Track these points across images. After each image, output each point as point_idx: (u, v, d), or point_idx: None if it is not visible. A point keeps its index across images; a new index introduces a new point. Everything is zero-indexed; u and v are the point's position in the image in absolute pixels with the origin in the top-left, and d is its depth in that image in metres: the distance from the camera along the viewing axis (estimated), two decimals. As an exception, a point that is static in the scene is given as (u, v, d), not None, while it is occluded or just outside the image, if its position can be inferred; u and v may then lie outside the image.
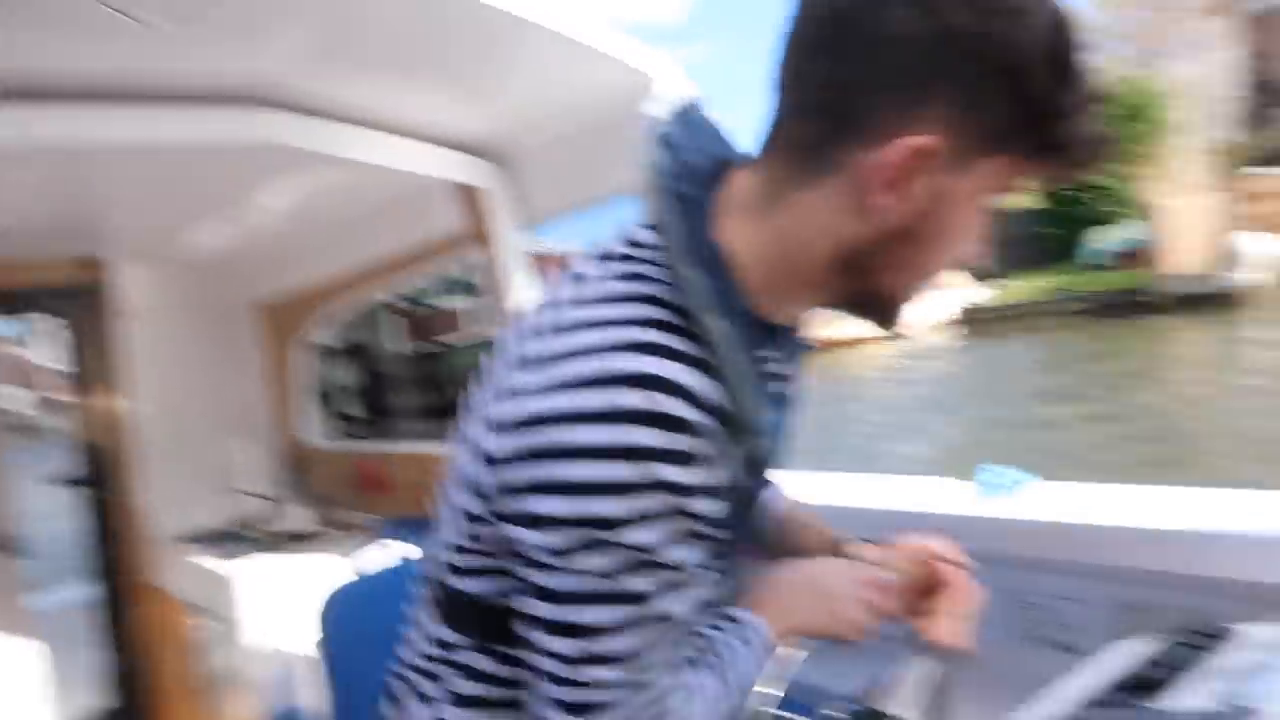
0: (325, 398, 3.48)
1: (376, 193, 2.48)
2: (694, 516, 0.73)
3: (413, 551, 2.23)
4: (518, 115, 2.09)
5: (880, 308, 0.82)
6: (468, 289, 3.11)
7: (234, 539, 3.05)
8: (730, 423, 0.75)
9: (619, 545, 0.70)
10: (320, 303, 3.20)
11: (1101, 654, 1.01)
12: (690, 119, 0.84)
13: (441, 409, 3.31)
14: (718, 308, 0.75)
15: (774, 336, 0.84)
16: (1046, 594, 1.49)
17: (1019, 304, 20.17)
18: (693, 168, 0.81)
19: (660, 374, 0.70)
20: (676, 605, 0.76)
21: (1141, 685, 0.87)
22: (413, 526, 2.57)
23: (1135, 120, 22.73)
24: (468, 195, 2.31)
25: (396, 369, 3.52)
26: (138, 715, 3.40)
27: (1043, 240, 24.48)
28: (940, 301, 20.06)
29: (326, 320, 3.30)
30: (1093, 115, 0.72)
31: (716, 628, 0.90)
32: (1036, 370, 14.46)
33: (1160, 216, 16.65)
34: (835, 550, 1.11)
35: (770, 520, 1.15)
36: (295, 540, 2.95)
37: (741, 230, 0.79)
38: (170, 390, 3.46)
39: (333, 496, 3.03)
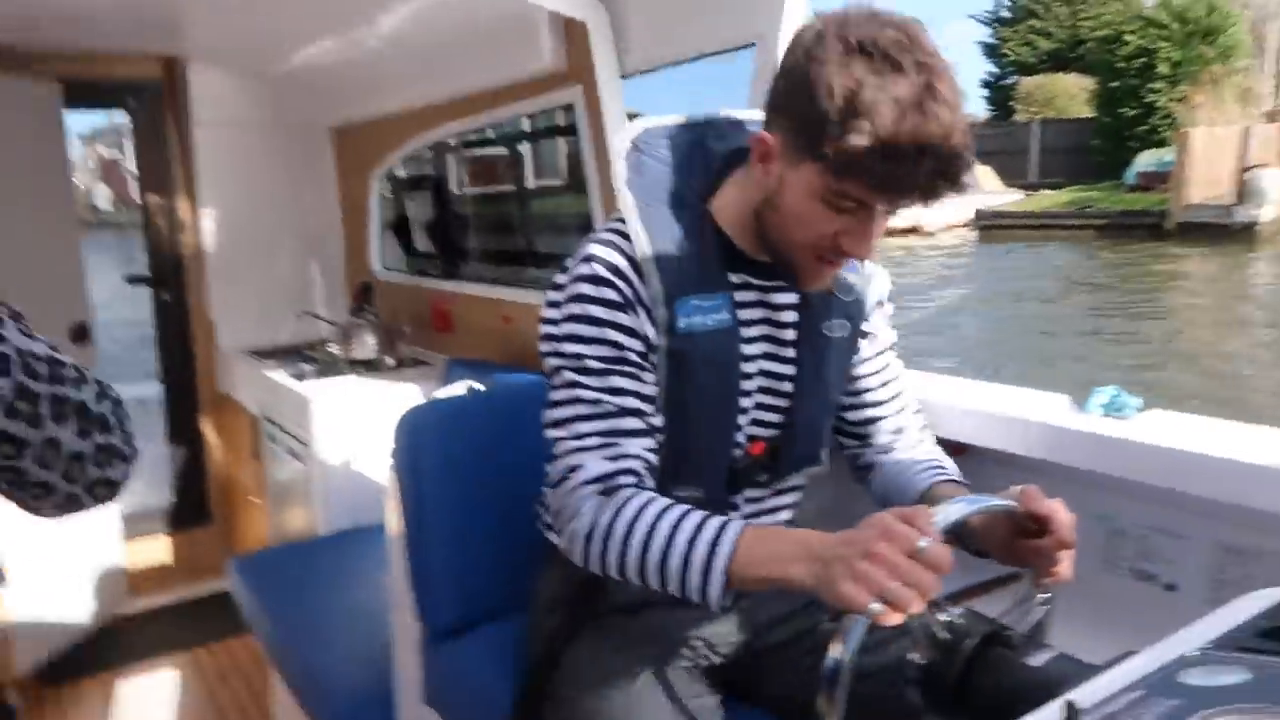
0: (398, 231, 3.42)
1: (470, 19, 2.34)
2: (617, 345, 1.12)
3: (478, 388, 2.23)
4: None
5: (783, 263, 1.13)
6: (534, 135, 2.98)
7: (302, 359, 3.06)
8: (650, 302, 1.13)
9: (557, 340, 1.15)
10: (401, 133, 3.12)
11: (1234, 601, 0.94)
12: (740, 122, 1.25)
13: (508, 255, 3.26)
14: (672, 240, 1.14)
15: (756, 266, 1.18)
16: (1139, 523, 1.47)
17: (1036, 213, 19.81)
18: (710, 153, 1.21)
19: (597, 254, 1.14)
20: (597, 389, 1.12)
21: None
22: (477, 368, 2.57)
23: (1205, 40, 21.80)
24: (566, 29, 2.18)
25: (466, 209, 3.44)
26: (201, 514, 3.52)
27: (1098, 154, 23.72)
28: (967, 204, 19.61)
29: (405, 152, 3.21)
30: (904, 156, 0.94)
31: (693, 511, 1.04)
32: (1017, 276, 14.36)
33: (1188, 142, 16.05)
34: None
35: (916, 496, 1.24)
36: (363, 367, 2.95)
37: (729, 189, 1.18)
38: (243, 205, 3.43)
39: (400, 330, 3.02)
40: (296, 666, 1.93)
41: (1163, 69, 21.72)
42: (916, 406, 1.41)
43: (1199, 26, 22.17)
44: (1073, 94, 28.14)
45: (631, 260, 1.13)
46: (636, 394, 1.13)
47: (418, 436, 1.50)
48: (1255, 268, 13.37)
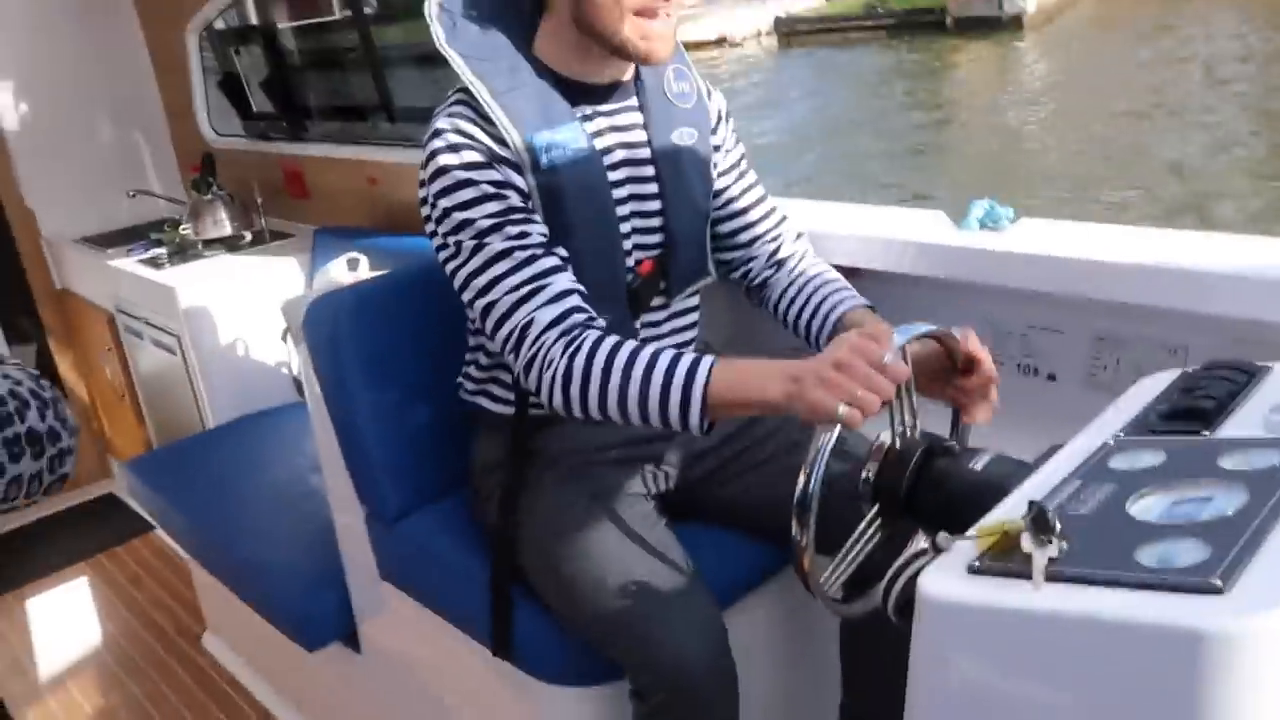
0: (230, 91, 3.13)
1: None
2: (499, 197, 1.17)
3: (361, 260, 2.16)
4: None
5: (618, 48, 1.18)
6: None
7: (149, 243, 2.84)
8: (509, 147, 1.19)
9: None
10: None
11: (1131, 389, 1.04)
12: None
13: (360, 110, 3.05)
14: (513, 90, 1.20)
15: (594, 93, 1.26)
16: (1020, 323, 1.60)
17: (831, 18, 20.37)
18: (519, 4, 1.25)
19: (445, 126, 1.20)
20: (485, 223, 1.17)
21: (1192, 415, 0.88)
22: (347, 235, 2.46)
23: None
24: None
25: (301, 60, 3.17)
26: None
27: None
28: (769, 12, 19.88)
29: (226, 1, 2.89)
30: None
31: (666, 349, 1.11)
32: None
33: None
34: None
35: (833, 323, 1.33)
36: (221, 246, 2.77)
37: (544, 27, 1.24)
38: (38, 75, 3.05)
39: (253, 201, 2.82)
40: (228, 558, 1.91)
41: None
42: (799, 231, 1.50)
43: None
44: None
45: (480, 117, 1.19)
46: (541, 233, 1.19)
47: (334, 325, 1.46)
48: (1023, 55, 14.48)
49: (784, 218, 1.48)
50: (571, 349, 1.13)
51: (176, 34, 3.07)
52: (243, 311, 2.50)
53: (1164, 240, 1.48)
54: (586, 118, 1.25)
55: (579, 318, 1.16)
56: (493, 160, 1.18)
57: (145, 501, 2.22)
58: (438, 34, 1.21)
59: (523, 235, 1.17)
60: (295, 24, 3.10)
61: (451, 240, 1.19)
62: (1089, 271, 1.43)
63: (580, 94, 1.25)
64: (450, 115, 1.21)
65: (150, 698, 2.30)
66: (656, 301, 1.36)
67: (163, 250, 2.77)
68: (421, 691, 1.64)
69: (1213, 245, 1.43)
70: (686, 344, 1.43)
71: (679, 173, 1.32)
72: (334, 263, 2.11)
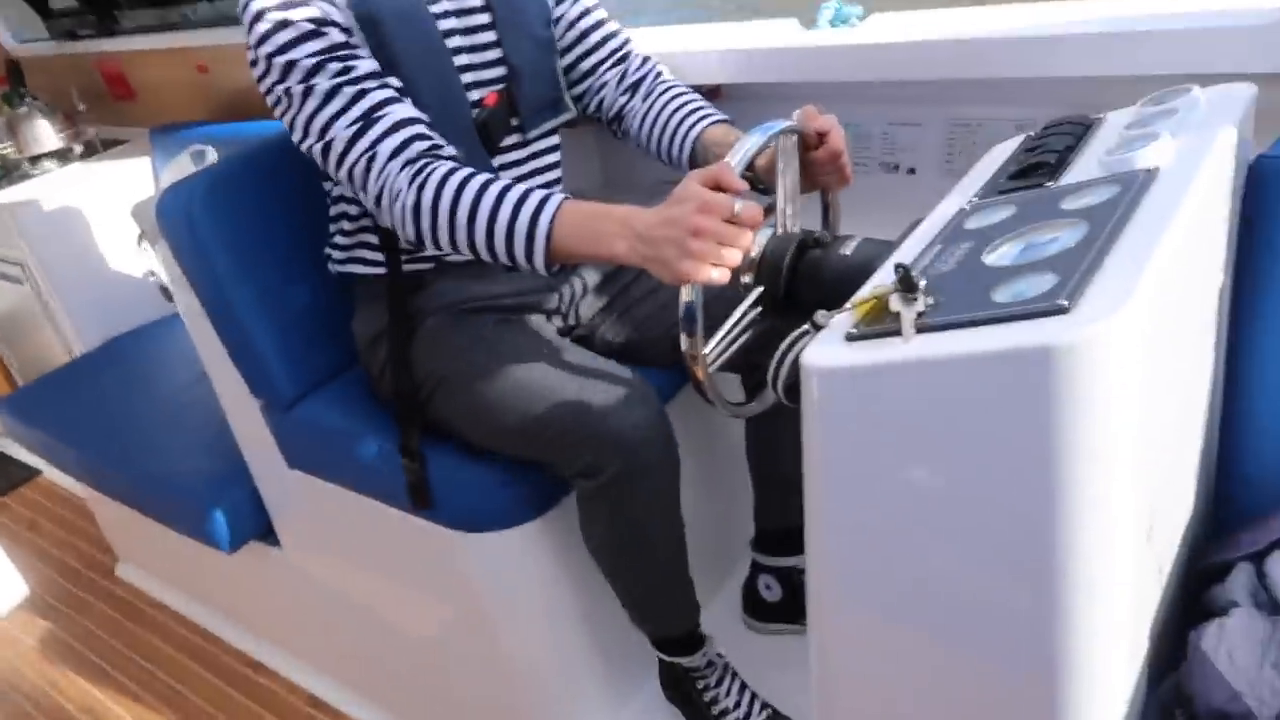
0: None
1: None
2: (320, 35, 1.14)
3: (207, 151, 2.05)
4: None
5: None
6: None
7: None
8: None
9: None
10: None
11: (982, 159, 1.09)
12: None
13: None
14: None
15: None
16: (880, 122, 1.64)
17: None
18: None
19: None
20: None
21: (1035, 170, 0.92)
22: (186, 131, 2.32)
23: None
24: None
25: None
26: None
27: None
28: None
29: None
30: None
31: (515, 186, 1.10)
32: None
33: None
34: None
35: (691, 143, 1.32)
36: (51, 161, 2.58)
37: None
38: None
39: (75, 110, 2.61)
40: (128, 480, 1.86)
41: None
42: (645, 55, 1.47)
43: None
44: None
45: None
46: (369, 67, 1.16)
47: (189, 215, 1.39)
48: None
49: (628, 40, 1.45)
50: (420, 180, 1.12)
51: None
52: (89, 228, 2.36)
53: (1008, 15, 1.51)
54: None
55: (422, 145, 1.15)
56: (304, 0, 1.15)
57: (28, 441, 2.12)
58: None
59: (348, 70, 1.15)
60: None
61: (280, 89, 1.16)
62: (941, 52, 1.46)
63: None
64: None
65: (78, 637, 2.27)
66: (512, 140, 1.33)
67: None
68: (348, 571, 1.66)
69: (1053, 12, 1.47)
70: (551, 185, 1.41)
71: (509, 2, 1.29)
72: (177, 159, 1.99)
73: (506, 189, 1.10)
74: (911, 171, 1.64)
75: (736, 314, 1.05)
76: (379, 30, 1.18)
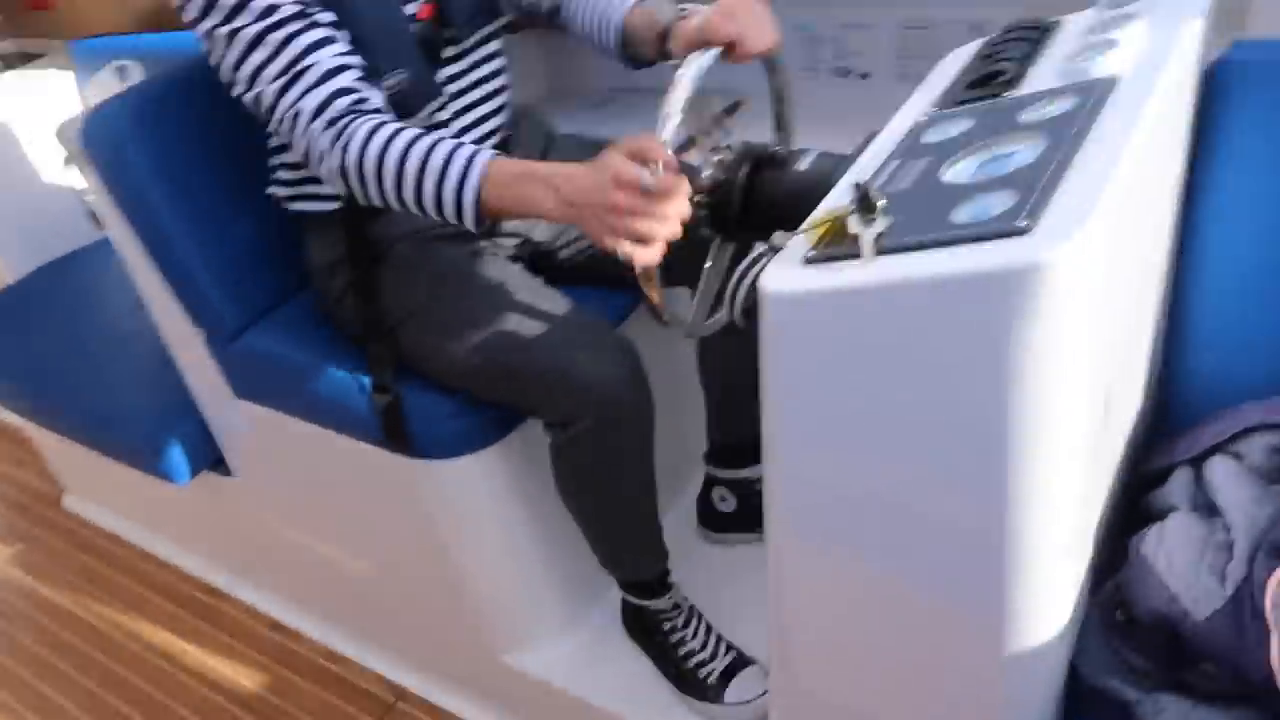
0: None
1: None
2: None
3: (131, 67, 1.95)
4: None
5: None
6: None
7: None
8: None
9: None
10: None
11: (937, 67, 1.07)
12: None
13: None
14: None
15: None
16: (833, 24, 1.60)
17: None
18: None
19: None
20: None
21: (992, 79, 0.91)
22: (110, 44, 2.20)
23: None
24: None
25: None
26: None
27: None
28: None
29: None
30: None
31: (440, 144, 1.05)
32: None
33: None
34: (663, 31, 1.19)
35: (616, 31, 1.26)
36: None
37: None
38: None
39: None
40: (71, 414, 1.82)
41: None
42: None
43: None
44: None
45: None
46: (291, 7, 1.10)
47: (117, 137, 1.32)
48: None
49: None
50: (343, 141, 1.07)
51: None
52: (12, 148, 2.23)
53: None
54: None
55: (343, 102, 1.09)
56: None
57: None
58: None
59: (271, 10, 1.09)
60: None
61: (203, 28, 1.12)
62: None
63: None
64: None
65: (27, 568, 2.24)
66: (451, 52, 1.27)
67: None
68: (304, 499, 1.65)
69: None
70: (496, 95, 1.36)
71: None
72: (100, 74, 1.89)
73: (430, 150, 1.05)
74: (865, 76, 1.61)
75: (709, 261, 1.03)
76: None
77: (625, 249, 0.91)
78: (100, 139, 1.31)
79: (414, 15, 1.22)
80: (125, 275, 1.56)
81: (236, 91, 1.15)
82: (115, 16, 2.34)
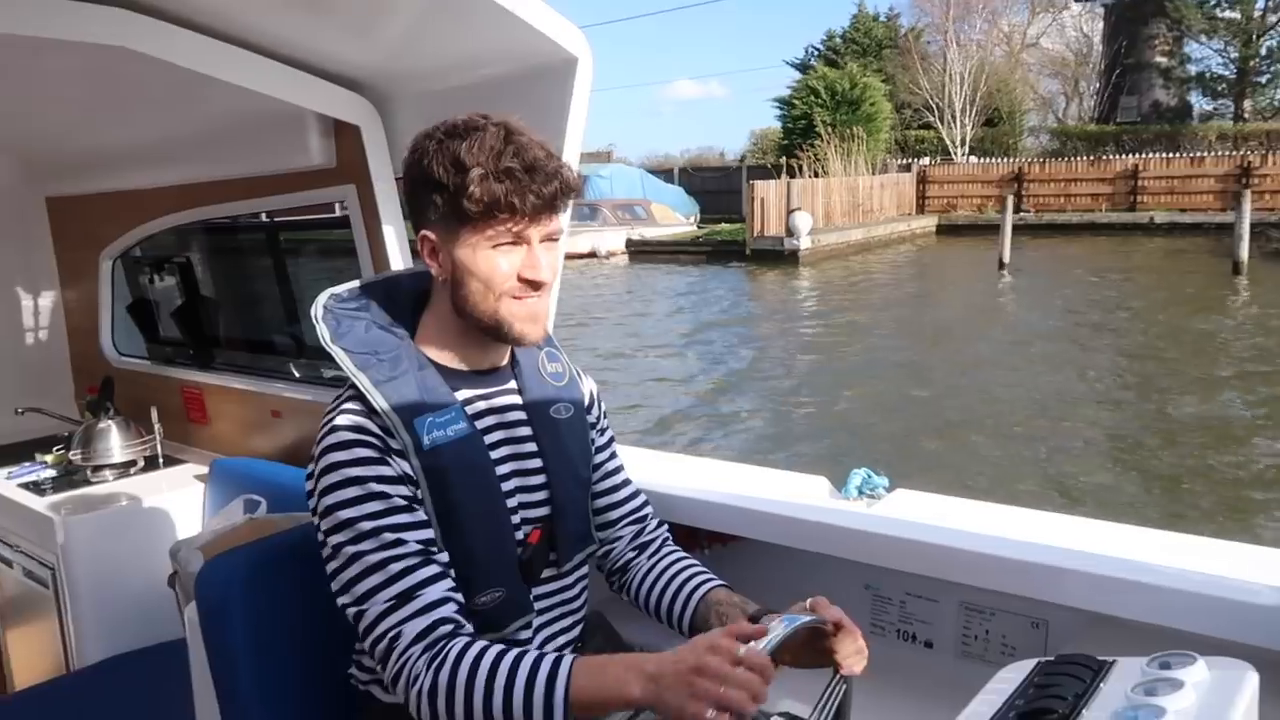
0: (138, 315, 3.15)
1: (231, 110, 2.21)
2: (384, 496, 1.20)
3: (260, 503, 2.14)
4: (404, 54, 1.94)
5: (494, 330, 1.28)
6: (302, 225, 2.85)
7: (34, 465, 2.75)
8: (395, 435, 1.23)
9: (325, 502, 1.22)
10: (140, 211, 2.89)
11: (992, 683, 1.09)
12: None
13: (260, 342, 3.10)
14: (394, 379, 1.25)
15: (472, 378, 1.33)
16: (898, 590, 1.68)
17: (665, 241, 25.30)
18: (400, 300, 1.35)
19: (339, 422, 1.24)
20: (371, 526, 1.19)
21: (1044, 716, 0.95)
22: (245, 468, 2.45)
23: (850, 109, 28.85)
24: (337, 129, 2.14)
25: (215, 292, 3.23)
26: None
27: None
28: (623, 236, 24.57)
29: (145, 233, 2.97)
30: (512, 178, 1.19)
31: (527, 654, 1.13)
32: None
33: (754, 191, 22.15)
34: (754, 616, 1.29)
35: (696, 602, 1.38)
36: (111, 472, 2.69)
37: (425, 320, 1.34)
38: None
39: (149, 426, 2.78)
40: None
41: (819, 128, 27.96)
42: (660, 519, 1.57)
43: (845, 98, 29.65)
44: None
45: (370, 411, 1.24)
46: (419, 540, 1.21)
47: (225, 592, 1.43)
48: (799, 281, 19.32)
49: (647, 501, 1.54)
50: (436, 662, 1.14)
51: (89, 256, 3.12)
52: (127, 547, 2.41)
53: (1027, 521, 1.61)
54: (467, 401, 1.31)
55: (445, 630, 1.17)
56: (384, 453, 1.22)
57: None
58: (323, 333, 1.28)
59: (399, 543, 1.19)
60: (211, 257, 3.18)
61: (331, 541, 1.21)
62: (956, 558, 1.51)
63: (460, 380, 1.32)
64: (343, 411, 1.25)
65: None
66: (549, 572, 1.38)
67: (48, 474, 2.68)
68: None
69: (1070, 529, 1.56)
70: (578, 611, 1.44)
71: (558, 443, 1.38)
72: (230, 506, 2.09)
73: (519, 660, 1.12)
74: (928, 645, 1.66)
75: None
76: (444, 482, 1.24)
77: (706, 713, 0.96)
78: (210, 590, 1.42)
79: (524, 539, 1.34)
80: (185, 686, 1.57)
81: (342, 602, 1.21)
82: (258, 444, 2.62)
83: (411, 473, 1.23)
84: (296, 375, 2.68)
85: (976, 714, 1.02)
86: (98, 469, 2.68)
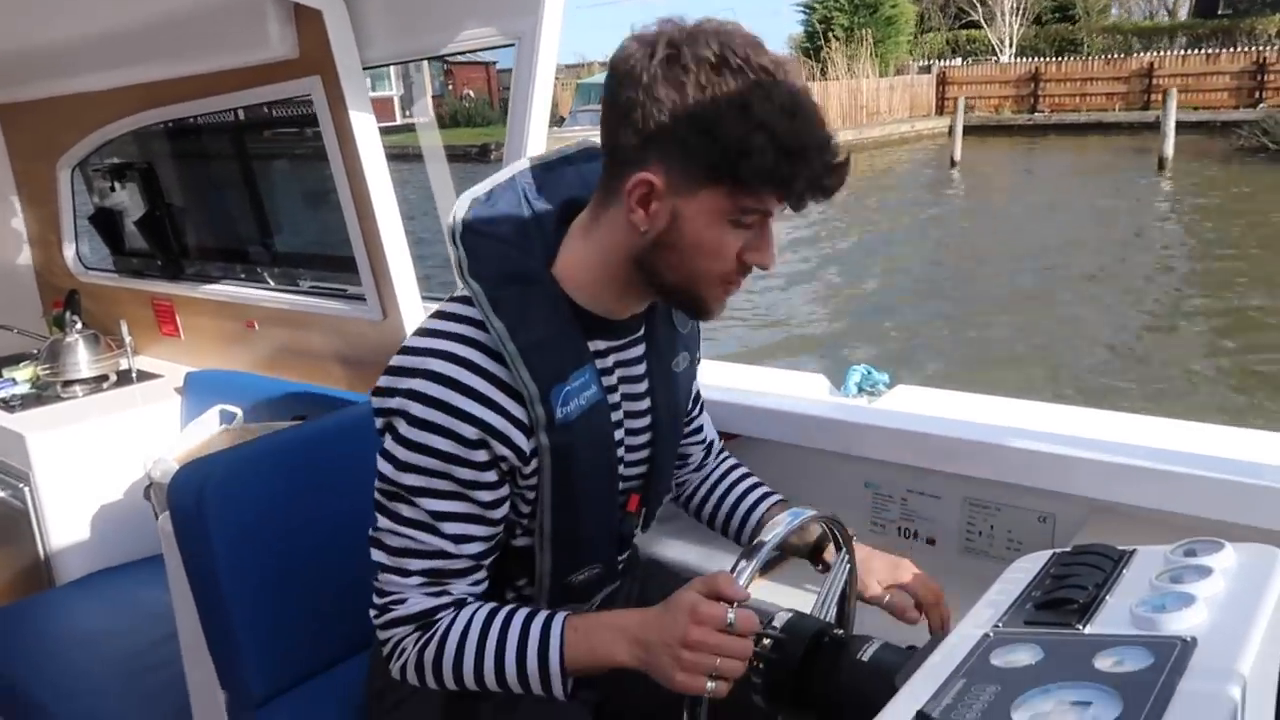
0: (102, 226, 3.02)
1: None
2: (459, 482, 1.04)
3: (236, 414, 2.08)
4: None
5: (683, 302, 1.08)
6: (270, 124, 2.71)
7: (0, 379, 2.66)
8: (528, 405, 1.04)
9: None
10: (95, 116, 2.74)
11: (1007, 572, 1.06)
12: (553, 168, 1.14)
13: (232, 250, 2.98)
14: (538, 320, 1.04)
15: (611, 328, 1.11)
16: (899, 487, 1.65)
17: None
18: (540, 216, 1.09)
19: (446, 373, 1.02)
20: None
21: (1063, 605, 0.91)
22: (223, 380, 2.38)
23: (869, 12, 27.88)
24: (297, 17, 1.99)
25: (182, 199, 3.09)
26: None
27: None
28: None
29: (102, 138, 2.82)
30: (806, 155, 0.94)
31: (521, 610, 1.07)
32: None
33: None
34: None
35: (756, 523, 1.33)
36: (82, 387, 2.61)
37: (573, 247, 1.08)
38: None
39: (119, 340, 2.69)
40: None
41: (837, 32, 27.20)
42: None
43: (864, 1, 28.27)
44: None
45: (494, 356, 1.03)
46: (473, 536, 1.08)
47: (199, 496, 1.37)
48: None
49: (703, 409, 1.43)
50: (419, 639, 1.08)
51: (46, 165, 2.98)
52: (102, 462, 2.35)
53: (1032, 413, 1.56)
54: (598, 354, 1.11)
55: (445, 614, 1.09)
56: (485, 436, 1.02)
57: None
58: (460, 261, 1.05)
59: (453, 535, 1.06)
60: (176, 162, 3.03)
61: (391, 483, 1.06)
62: (957, 450, 1.49)
63: (597, 328, 1.11)
64: (458, 360, 1.03)
65: None
66: (636, 530, 1.27)
67: (16, 390, 2.60)
68: None
69: (1075, 419, 1.52)
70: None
71: (672, 399, 1.23)
72: (205, 415, 2.02)
73: (507, 621, 1.06)
74: (930, 542, 1.63)
75: None
76: (566, 459, 1.08)
77: (699, 685, 0.92)
78: (183, 493, 1.37)
79: (623, 504, 1.21)
80: (167, 604, 1.55)
81: (371, 535, 1.09)
82: (234, 356, 2.54)
83: (527, 450, 1.05)
84: (270, 284, 2.58)
85: (993, 603, 0.97)
86: (68, 384, 2.60)
